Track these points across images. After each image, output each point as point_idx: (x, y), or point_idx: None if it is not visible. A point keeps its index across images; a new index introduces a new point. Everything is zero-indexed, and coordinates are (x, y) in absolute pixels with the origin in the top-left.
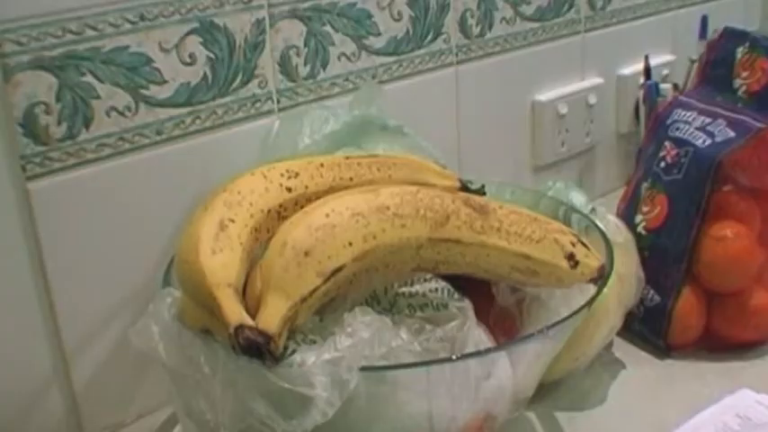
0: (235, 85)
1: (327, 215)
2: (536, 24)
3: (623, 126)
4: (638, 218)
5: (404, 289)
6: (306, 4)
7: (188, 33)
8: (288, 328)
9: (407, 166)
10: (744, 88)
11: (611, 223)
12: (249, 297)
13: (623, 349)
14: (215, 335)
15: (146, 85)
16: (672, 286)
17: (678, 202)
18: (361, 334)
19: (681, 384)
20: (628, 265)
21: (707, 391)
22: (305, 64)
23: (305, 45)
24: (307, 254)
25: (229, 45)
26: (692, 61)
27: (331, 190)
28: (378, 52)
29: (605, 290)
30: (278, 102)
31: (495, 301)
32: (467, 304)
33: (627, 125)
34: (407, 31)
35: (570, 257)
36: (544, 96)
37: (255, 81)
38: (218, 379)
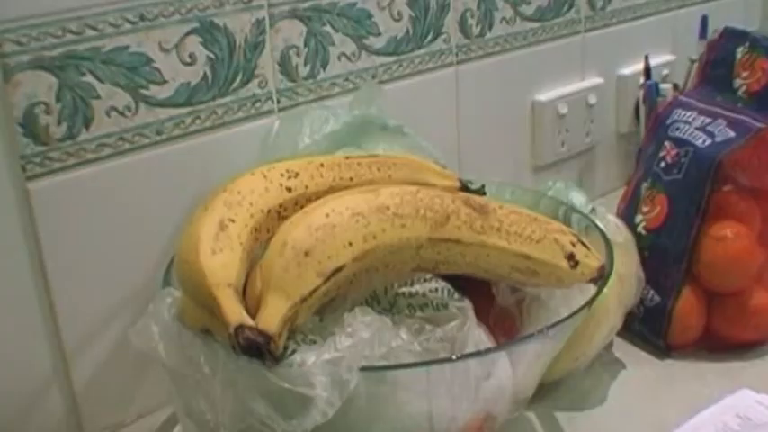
0: (235, 85)
1: (327, 215)
2: (536, 24)
3: (623, 126)
4: (638, 218)
5: (404, 289)
6: (306, 4)
7: (188, 33)
8: (288, 328)
9: (407, 166)
10: (744, 88)
11: (611, 223)
12: (249, 297)
13: (623, 349)
14: (215, 335)
15: (146, 85)
16: (672, 286)
17: (678, 202)
18: (361, 334)
19: (681, 384)
20: (628, 265)
21: (707, 391)
22: (305, 64)
23: (305, 45)
24: (307, 254)
25: (229, 45)
26: (692, 61)
27: (331, 190)
28: (378, 52)
29: (605, 290)
30: (278, 102)
31: (495, 301)
32: (467, 304)
33: (627, 125)
34: (407, 31)
35: (570, 257)
36: (544, 96)
37: (255, 81)
38: (218, 379)
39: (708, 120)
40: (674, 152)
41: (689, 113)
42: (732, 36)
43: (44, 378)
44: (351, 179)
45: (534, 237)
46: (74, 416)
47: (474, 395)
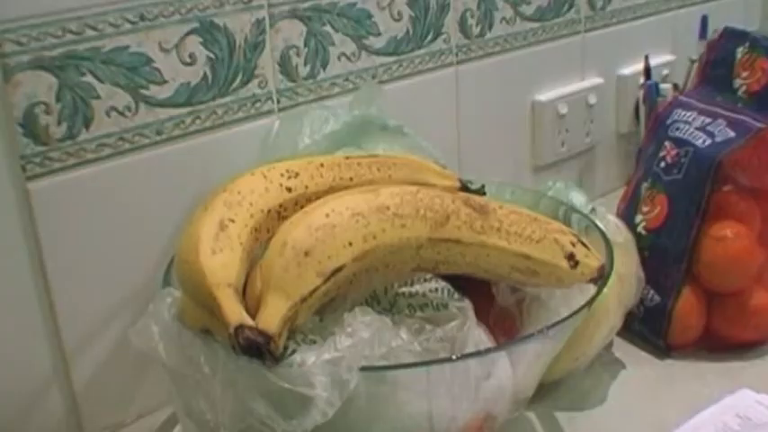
0: (235, 85)
1: (327, 215)
2: (536, 24)
3: (623, 126)
4: (638, 218)
5: (404, 289)
6: (306, 4)
7: (188, 33)
8: (288, 328)
9: (407, 166)
10: (744, 88)
11: (611, 223)
12: (249, 297)
13: (623, 349)
14: (215, 335)
15: (146, 85)
16: (672, 286)
17: (678, 202)
18: (361, 334)
19: (681, 384)
20: (628, 265)
21: (707, 391)
22: (305, 64)
23: (305, 45)
24: (307, 254)
25: (229, 45)
26: (692, 61)
27: (331, 190)
28: (378, 52)
29: (605, 290)
30: (278, 102)
31: (495, 301)
32: (467, 304)
33: (627, 125)
34: (407, 31)
35: (570, 257)
36: (544, 96)
37: (255, 81)
38: (218, 379)
39: (708, 120)
40: (674, 152)
41: (689, 113)
42: (732, 36)
43: (44, 378)
44: (351, 179)
45: (534, 237)
46: (74, 416)
47: (474, 395)
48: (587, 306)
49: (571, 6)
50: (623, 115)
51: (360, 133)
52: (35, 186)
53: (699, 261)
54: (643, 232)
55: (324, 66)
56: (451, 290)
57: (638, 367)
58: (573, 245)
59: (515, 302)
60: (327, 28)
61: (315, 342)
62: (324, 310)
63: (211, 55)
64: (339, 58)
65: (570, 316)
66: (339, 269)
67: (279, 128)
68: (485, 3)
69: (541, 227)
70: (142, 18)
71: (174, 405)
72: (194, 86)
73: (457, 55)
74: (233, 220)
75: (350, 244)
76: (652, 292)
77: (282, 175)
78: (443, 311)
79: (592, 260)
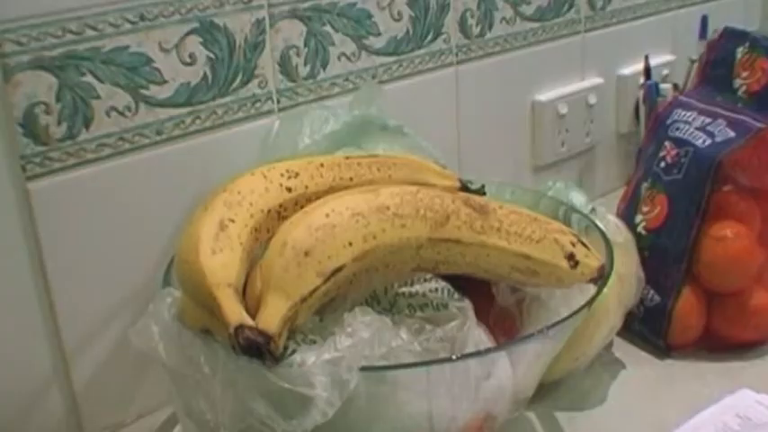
0: (235, 85)
1: (327, 215)
2: (536, 24)
3: (623, 126)
4: (638, 218)
5: (404, 289)
6: (306, 4)
7: (188, 33)
8: (288, 328)
9: (407, 166)
10: (744, 88)
11: (611, 223)
12: (249, 297)
13: (623, 349)
14: (215, 335)
15: (146, 85)
16: (672, 286)
17: (678, 202)
18: (361, 334)
19: (681, 384)
20: (628, 265)
21: (707, 391)
22: (305, 64)
23: (305, 45)
24: (307, 254)
25: (229, 45)
26: (692, 61)
27: (331, 190)
28: (378, 52)
29: (605, 290)
30: (278, 102)
31: (495, 301)
32: (467, 304)
33: (627, 125)
34: (407, 31)
35: (570, 257)
36: (544, 96)
37: (255, 81)
38: (218, 379)
39: (708, 120)
40: (674, 152)
41: (689, 113)
42: (732, 36)
43: (44, 378)
44: (351, 179)
45: (534, 237)
46: (74, 416)
47: (474, 395)
48: (587, 306)
49: (571, 6)
50: (623, 115)
51: (360, 133)
52: (35, 186)
53: (699, 261)
54: (643, 232)
55: (324, 66)
56: (451, 290)
57: (638, 367)
58: (573, 245)
59: (515, 302)
60: (327, 28)
61: (315, 342)
62: (324, 310)
63: (211, 55)
64: (339, 58)
65: (570, 316)
66: (339, 269)
67: (279, 128)
68: (485, 3)
69: (541, 227)
70: (142, 18)
71: (174, 405)
72: (194, 86)
73: (457, 55)
74: (233, 220)
75: (350, 244)
76: (652, 292)
77: (282, 175)
78: (443, 311)
79: (592, 260)
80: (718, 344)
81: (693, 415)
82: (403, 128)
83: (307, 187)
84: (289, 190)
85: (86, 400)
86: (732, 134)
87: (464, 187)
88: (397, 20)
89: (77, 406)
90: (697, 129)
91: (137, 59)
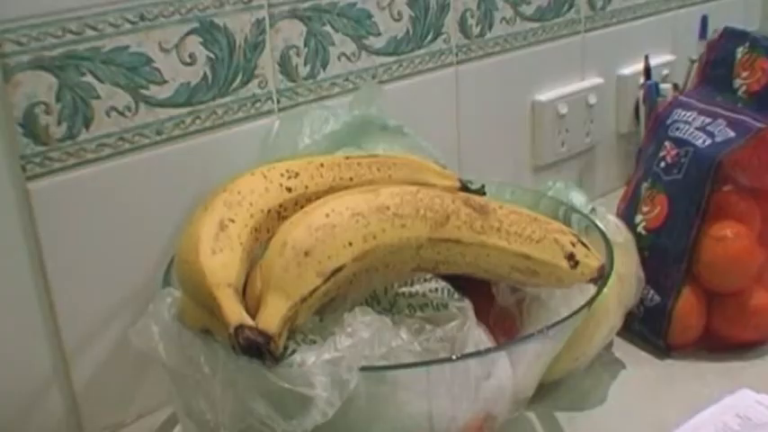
0: (235, 85)
1: (327, 215)
2: (536, 24)
3: (623, 126)
4: (638, 218)
5: (404, 289)
6: (306, 4)
7: (188, 33)
8: (288, 328)
9: (407, 166)
10: (744, 88)
11: (611, 223)
12: (249, 297)
13: (623, 349)
14: (215, 335)
15: (146, 85)
16: (672, 286)
17: (678, 202)
18: (361, 334)
19: (681, 384)
20: (628, 265)
21: (707, 391)
22: (305, 64)
23: (305, 45)
24: (307, 254)
25: (229, 45)
26: (692, 61)
27: (331, 190)
28: (378, 52)
29: (605, 290)
30: (278, 102)
31: (495, 301)
32: (467, 304)
33: (627, 125)
34: (407, 31)
35: (570, 257)
36: (544, 96)
37: (255, 81)
38: (218, 379)
39: (708, 120)
40: (674, 152)
41: (689, 113)
42: (732, 36)
43: (44, 378)
44: (351, 179)
45: (534, 237)
46: (74, 416)
47: (474, 395)
48: (587, 306)
49: (571, 6)
50: (623, 115)
51: (360, 133)
52: (35, 186)
53: (699, 261)
54: (643, 232)
55: (324, 66)
56: (451, 290)
57: (638, 367)
58: (573, 245)
59: (515, 302)
60: (327, 28)
61: (315, 342)
62: (324, 310)
63: (211, 55)
64: (339, 58)
65: (570, 316)
66: (339, 269)
67: (279, 128)
68: (485, 3)
69: (541, 227)
70: (142, 18)
71: (174, 405)
72: (194, 86)
73: (457, 55)
74: (233, 220)
75: (350, 244)
76: (652, 292)
77: (282, 175)
78: (443, 311)
79: (592, 260)
80: (718, 344)
81: (693, 415)
82: (403, 128)
83: (307, 187)
84: (289, 190)
85: (86, 400)
86: (732, 134)
87: (464, 187)
88: (397, 20)
89: (77, 406)
90: (697, 129)
91: (137, 59)
